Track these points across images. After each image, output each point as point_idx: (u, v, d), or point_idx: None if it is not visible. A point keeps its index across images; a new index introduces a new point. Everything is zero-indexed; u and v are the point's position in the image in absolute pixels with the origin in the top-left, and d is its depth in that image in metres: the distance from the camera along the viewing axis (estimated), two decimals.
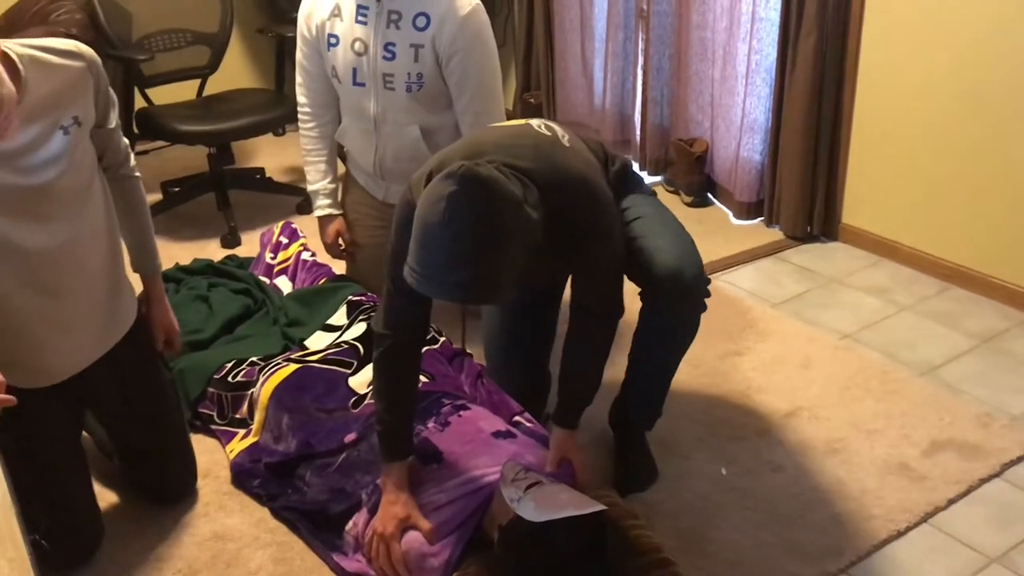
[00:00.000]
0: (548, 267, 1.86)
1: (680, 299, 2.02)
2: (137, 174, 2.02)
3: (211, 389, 2.41)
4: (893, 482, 2.21)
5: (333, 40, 2.51)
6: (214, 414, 2.40)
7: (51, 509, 1.88)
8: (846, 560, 1.99)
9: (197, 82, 3.86)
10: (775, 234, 3.47)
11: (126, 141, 1.99)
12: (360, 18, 2.46)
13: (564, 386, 2.04)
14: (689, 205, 3.74)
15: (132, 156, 2.01)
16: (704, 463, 2.29)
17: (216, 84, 3.87)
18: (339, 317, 2.58)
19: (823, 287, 3.13)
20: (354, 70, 2.50)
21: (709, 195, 3.77)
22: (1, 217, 1.68)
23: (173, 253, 3.31)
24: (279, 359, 2.40)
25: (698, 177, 3.73)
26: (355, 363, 2.35)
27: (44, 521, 1.86)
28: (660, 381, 2.22)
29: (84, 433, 2.18)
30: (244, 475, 2.22)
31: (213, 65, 3.84)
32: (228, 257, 3.12)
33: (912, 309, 2.97)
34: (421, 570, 1.83)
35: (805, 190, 3.35)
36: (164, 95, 3.73)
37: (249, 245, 3.39)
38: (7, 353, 1.76)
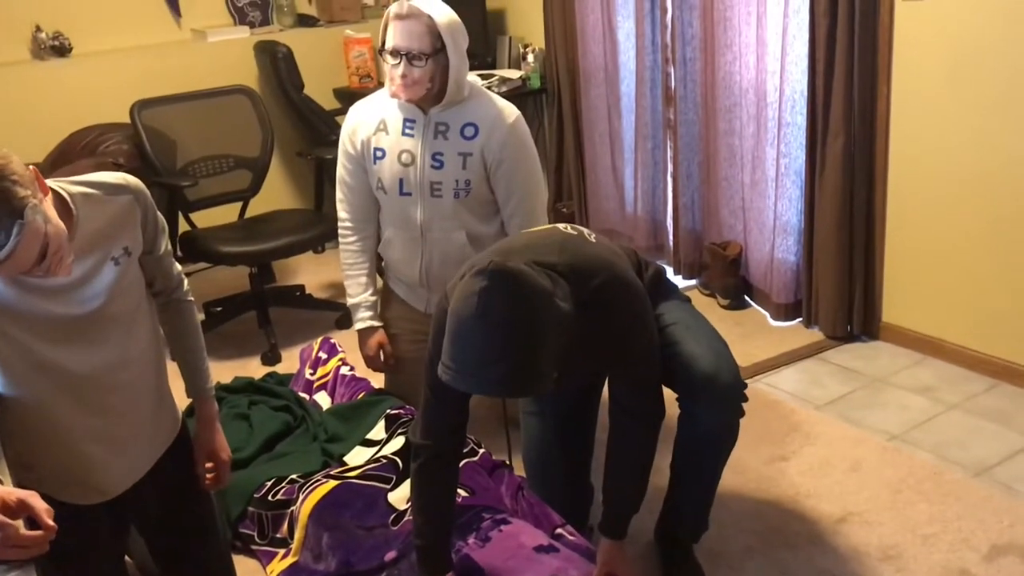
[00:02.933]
0: (585, 362, 1.86)
1: (718, 404, 2.01)
2: (190, 298, 2.06)
3: (251, 509, 2.40)
4: None
5: (379, 153, 2.59)
6: (254, 534, 2.38)
7: None
8: None
9: (239, 204, 3.98)
10: (815, 335, 3.44)
11: (179, 267, 2.02)
12: (407, 131, 2.55)
13: (609, 494, 2.00)
14: (726, 308, 3.73)
15: (185, 281, 2.05)
16: (756, 573, 2.22)
17: (257, 206, 3.99)
18: (378, 431, 2.58)
19: (867, 387, 3.08)
20: (401, 180, 2.57)
21: (746, 297, 3.76)
22: (52, 344, 1.72)
23: (215, 371, 3.31)
24: (319, 476, 2.40)
25: (733, 280, 3.73)
26: (394, 478, 2.33)
27: None
28: (704, 492, 2.18)
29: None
30: None
31: (254, 188, 3.97)
32: (268, 374, 3.15)
33: (961, 407, 2.91)
34: None
35: (842, 289, 3.33)
36: (207, 218, 3.84)
37: (289, 362, 3.42)
38: (63, 473, 1.78)
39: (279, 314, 3.80)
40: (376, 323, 2.79)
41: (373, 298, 2.79)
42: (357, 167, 2.67)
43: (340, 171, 2.73)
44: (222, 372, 3.33)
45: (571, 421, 2.29)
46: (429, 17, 2.40)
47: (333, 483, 2.32)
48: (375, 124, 2.60)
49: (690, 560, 2.21)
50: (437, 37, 2.41)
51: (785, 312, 3.55)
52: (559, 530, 2.15)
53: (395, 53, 2.44)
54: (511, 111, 2.55)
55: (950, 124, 2.96)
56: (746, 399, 2.06)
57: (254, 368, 3.44)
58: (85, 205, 1.72)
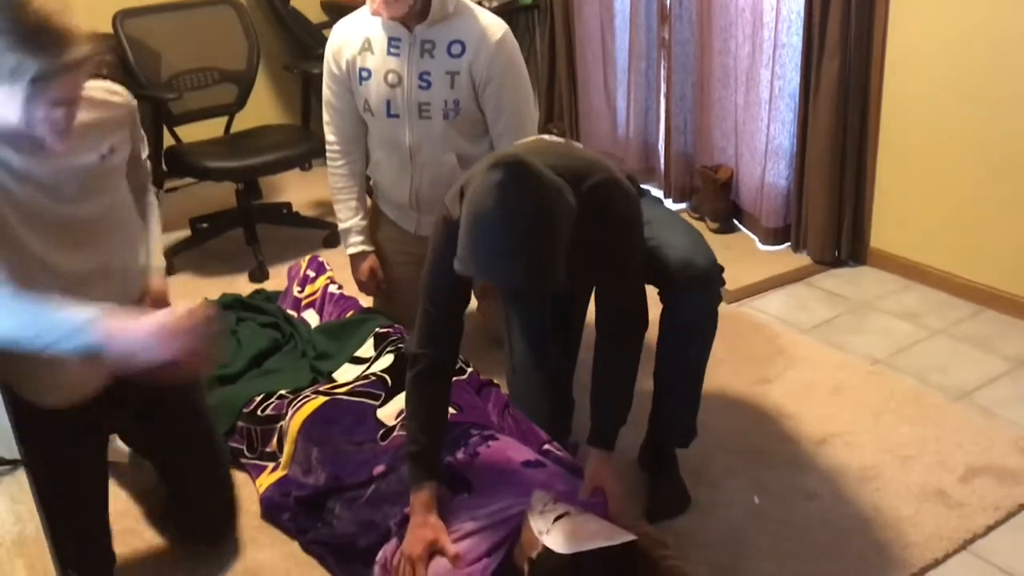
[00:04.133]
0: (580, 265, 1.87)
1: (695, 286, 2.04)
2: (155, 202, 2.13)
3: (240, 423, 2.41)
4: (930, 509, 2.17)
5: (365, 74, 2.54)
6: (244, 448, 2.41)
7: (79, 540, 1.88)
8: None
9: (225, 119, 3.91)
10: (803, 259, 3.44)
11: (148, 170, 2.10)
12: (392, 50, 2.49)
13: (597, 405, 2.03)
14: (715, 232, 3.73)
15: (151, 186, 2.13)
16: (736, 492, 2.27)
17: (243, 121, 3.93)
18: (367, 349, 2.59)
19: (853, 312, 3.10)
20: (388, 102, 2.53)
21: (735, 221, 3.76)
22: (45, 242, 1.74)
23: (201, 288, 3.34)
24: (308, 392, 2.41)
25: (723, 204, 3.72)
26: (383, 395, 2.35)
27: (74, 554, 1.86)
28: (690, 389, 2.21)
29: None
30: (274, 509, 2.22)
31: (240, 102, 3.90)
32: (256, 291, 3.14)
33: (945, 333, 2.94)
34: None
35: (832, 214, 3.33)
36: (192, 133, 3.78)
37: (277, 279, 3.41)
38: (45, 377, 1.81)
39: (266, 231, 3.78)
40: (368, 247, 2.77)
41: (364, 222, 2.77)
42: (343, 88, 2.61)
43: (326, 93, 2.67)
44: (209, 288, 3.32)
45: (555, 335, 2.31)
46: None
47: (322, 399, 2.33)
48: (359, 43, 2.54)
49: (674, 477, 2.24)
50: None
51: (774, 236, 3.55)
52: (546, 446, 2.18)
53: None
54: (499, 26, 2.49)
55: (947, 49, 2.92)
56: (723, 283, 2.11)
57: (242, 285, 3.43)
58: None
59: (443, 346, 1.94)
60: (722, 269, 2.11)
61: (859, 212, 3.33)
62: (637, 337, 2.00)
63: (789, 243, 3.53)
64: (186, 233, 3.80)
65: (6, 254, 1.71)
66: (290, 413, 2.32)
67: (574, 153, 1.91)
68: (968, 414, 2.52)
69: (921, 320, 3.01)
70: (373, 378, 2.42)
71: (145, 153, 2.05)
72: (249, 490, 2.33)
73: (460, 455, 2.06)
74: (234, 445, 2.41)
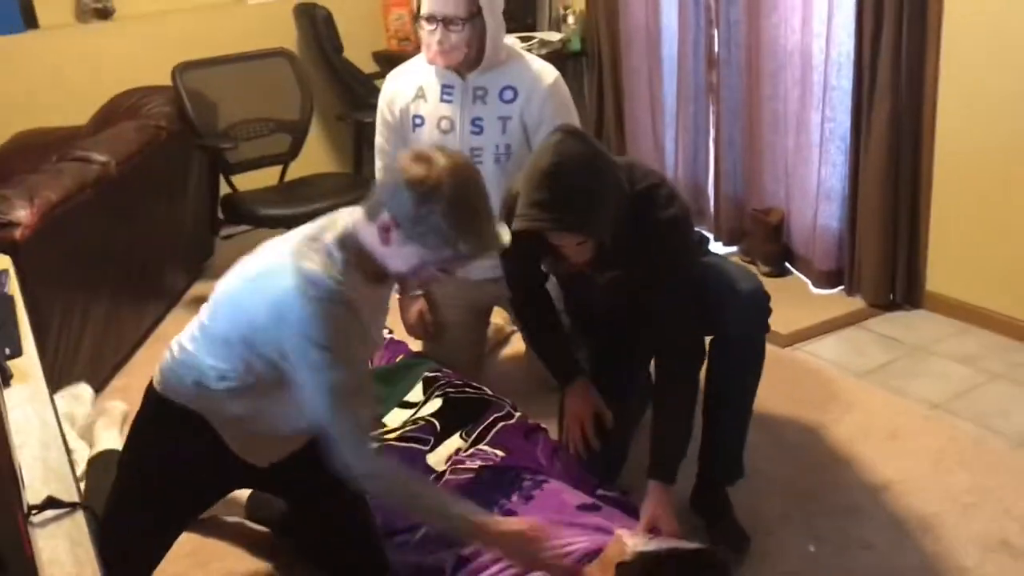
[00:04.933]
0: (629, 263, 2.02)
1: (741, 311, 2.08)
2: None
3: None
4: (994, 560, 2.11)
5: (418, 121, 2.58)
6: None
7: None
8: None
9: (279, 168, 3.99)
10: (857, 303, 3.39)
11: None
12: (446, 97, 2.54)
13: (656, 436, 2.06)
14: (767, 275, 3.69)
15: None
16: (791, 539, 2.22)
17: (297, 170, 4.01)
18: (416, 394, 2.60)
19: (909, 356, 3.04)
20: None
21: (787, 265, 3.72)
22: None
23: None
24: None
25: (775, 247, 3.69)
26: (432, 440, 2.35)
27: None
28: (736, 423, 2.21)
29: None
30: None
31: (294, 151, 3.99)
32: None
33: (1004, 377, 2.86)
34: None
35: (886, 257, 3.28)
36: (248, 182, 3.87)
37: None
38: (261, 444, 1.90)
39: None
40: (417, 290, 2.79)
41: None
42: (395, 136, 2.66)
43: (378, 140, 2.72)
44: None
45: (613, 380, 2.32)
46: None
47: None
48: (413, 91, 2.59)
49: (730, 519, 2.21)
50: (473, 1, 2.39)
51: (827, 279, 3.50)
52: (599, 491, 2.16)
53: (431, 19, 2.42)
54: (550, 71, 2.53)
55: (999, 90, 2.89)
56: (770, 311, 2.13)
57: None
58: None
59: (529, 278, 2.24)
60: (768, 297, 2.14)
61: (914, 255, 3.28)
62: (691, 364, 2.07)
63: (843, 287, 3.48)
64: None
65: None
66: None
67: (639, 163, 2.10)
68: None
69: (980, 364, 2.95)
70: (422, 423, 2.43)
71: None
72: None
73: (515, 498, 2.05)
74: None
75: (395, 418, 2.53)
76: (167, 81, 3.75)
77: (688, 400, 2.06)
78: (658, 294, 2.03)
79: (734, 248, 3.94)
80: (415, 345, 2.93)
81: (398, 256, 1.69)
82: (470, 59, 2.47)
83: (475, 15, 2.41)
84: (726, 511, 2.23)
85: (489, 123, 2.52)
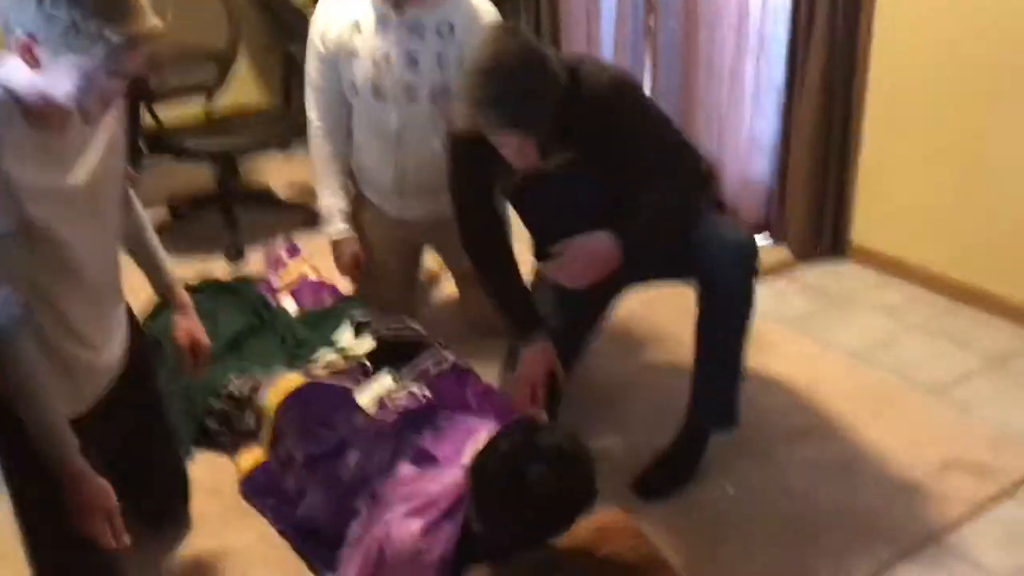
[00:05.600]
0: (578, 146, 2.00)
1: (729, 257, 2.07)
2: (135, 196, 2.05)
3: (218, 405, 2.39)
4: (903, 502, 2.18)
5: (352, 55, 2.50)
6: (222, 428, 2.38)
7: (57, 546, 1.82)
8: None
9: (204, 99, 3.86)
10: (782, 253, 3.44)
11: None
12: (381, 31, 2.46)
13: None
14: None
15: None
16: (710, 482, 2.27)
17: (223, 101, 3.88)
18: (347, 339, 2.56)
19: (832, 306, 3.11)
20: (374, 85, 2.50)
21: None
22: (65, 222, 1.65)
23: (179, 271, 3.28)
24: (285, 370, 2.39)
25: None
26: (362, 379, 2.33)
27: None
28: (726, 368, 2.19)
29: None
30: (258, 490, 2.22)
31: (220, 81, 3.85)
32: (238, 279, 3.10)
33: (923, 328, 2.95)
34: (416, 569, 1.81)
35: (814, 209, 3.33)
36: (172, 112, 3.73)
37: (255, 262, 3.38)
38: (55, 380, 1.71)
39: (245, 214, 3.73)
40: (351, 232, 2.73)
41: (346, 206, 2.72)
42: (329, 68, 2.57)
43: (311, 73, 2.63)
44: (186, 271, 3.25)
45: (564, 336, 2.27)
46: None
47: (300, 379, 2.31)
48: (347, 24, 2.50)
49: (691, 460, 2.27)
50: None
51: (755, 229, 3.54)
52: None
53: None
54: (488, 8, 2.48)
55: (933, 45, 2.93)
56: (758, 256, 2.12)
57: (218, 268, 3.39)
58: None
59: (478, 198, 2.18)
60: (756, 243, 2.16)
61: (841, 207, 3.33)
62: (676, 187, 2.08)
63: (769, 236, 3.53)
64: (164, 215, 3.76)
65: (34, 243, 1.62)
66: (266, 391, 2.30)
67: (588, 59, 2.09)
68: (944, 409, 2.53)
69: (900, 315, 3.03)
70: (354, 363, 2.40)
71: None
72: (226, 472, 2.30)
73: (426, 436, 2.05)
74: (211, 425, 2.39)
75: (324, 358, 2.50)
76: None
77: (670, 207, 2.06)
78: (634, 163, 2.01)
79: None
80: (343, 285, 2.88)
81: (55, 76, 1.51)
82: None
83: None
84: (697, 451, 2.27)
85: (425, 59, 2.45)
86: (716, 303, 2.12)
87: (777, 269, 3.34)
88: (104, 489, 1.66)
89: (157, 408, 2.10)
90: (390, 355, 2.40)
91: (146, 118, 3.70)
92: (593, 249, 1.98)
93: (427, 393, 2.19)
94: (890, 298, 3.13)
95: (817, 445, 2.39)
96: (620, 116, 1.98)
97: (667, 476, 2.23)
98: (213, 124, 3.74)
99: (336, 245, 2.76)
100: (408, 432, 2.07)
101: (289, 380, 2.31)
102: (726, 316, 2.14)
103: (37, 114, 1.57)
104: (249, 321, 2.71)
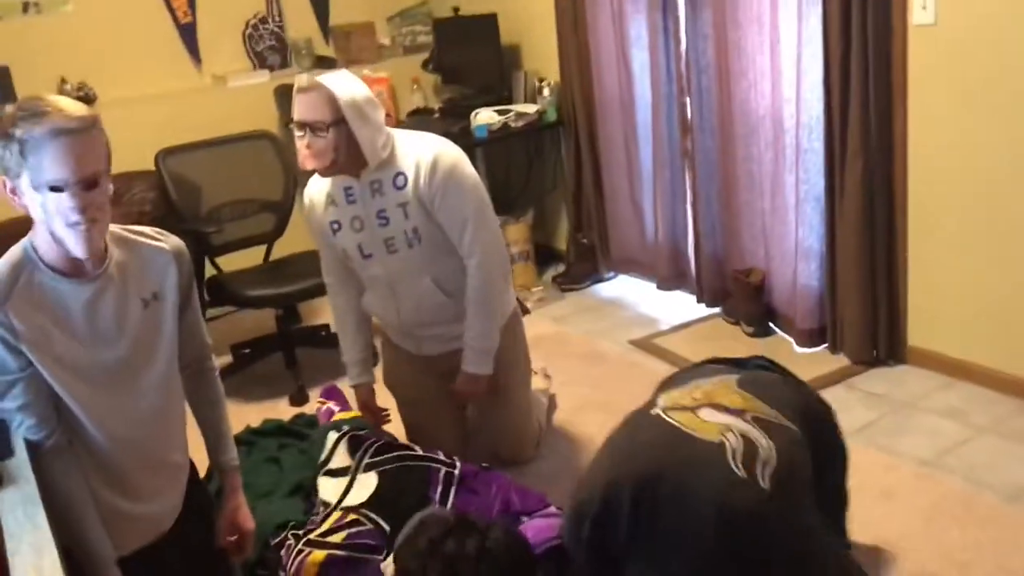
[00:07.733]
0: None
1: None
2: (216, 367, 2.10)
3: (269, 555, 2.36)
4: None
5: (336, 226, 2.71)
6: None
7: None
8: None
9: (264, 248, 4.03)
10: (841, 360, 3.42)
11: (208, 338, 2.07)
12: (350, 198, 2.65)
13: None
14: (751, 336, 3.72)
15: (211, 352, 2.09)
16: None
17: (282, 248, 4.03)
18: (341, 458, 2.56)
19: (896, 413, 3.06)
20: (359, 245, 2.69)
21: (770, 324, 3.76)
22: (96, 392, 1.74)
23: (243, 414, 3.36)
24: (301, 545, 2.28)
25: (757, 306, 3.72)
26: (384, 546, 2.23)
27: None
28: None
29: None
30: None
31: (279, 231, 4.02)
32: (297, 416, 3.17)
33: (992, 431, 2.88)
34: None
35: (867, 314, 3.32)
36: (233, 262, 3.89)
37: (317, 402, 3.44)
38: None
39: (305, 354, 3.83)
40: (363, 379, 2.91)
41: (361, 355, 2.90)
42: (323, 238, 2.79)
43: (314, 239, 2.84)
44: (250, 414, 3.35)
45: None
46: (328, 89, 2.48)
47: (320, 554, 2.22)
48: (324, 200, 2.72)
49: None
50: (336, 108, 2.48)
51: (810, 338, 3.53)
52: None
53: (300, 125, 2.53)
54: (431, 146, 2.61)
55: (968, 144, 2.96)
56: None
57: (282, 410, 3.46)
58: (116, 241, 1.82)
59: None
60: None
61: (894, 310, 3.31)
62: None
63: (826, 345, 3.51)
64: (227, 360, 3.87)
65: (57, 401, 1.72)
66: (292, 567, 2.24)
67: None
68: (1023, 514, 2.46)
69: (966, 418, 2.96)
70: (365, 525, 2.30)
71: (198, 309, 1.99)
72: None
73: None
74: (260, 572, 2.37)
75: (326, 490, 2.48)
76: (150, 166, 3.79)
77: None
78: None
79: (717, 309, 3.98)
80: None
81: (31, 205, 1.63)
82: (339, 163, 2.55)
83: (340, 121, 2.49)
84: None
85: (392, 212, 2.61)
86: None
87: (836, 377, 3.31)
88: None
89: (210, 552, 2.11)
90: (400, 499, 2.37)
91: (208, 268, 3.87)
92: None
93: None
94: (953, 401, 3.07)
95: (895, 560, 2.32)
96: None
97: None
98: (273, 270, 3.88)
99: (354, 391, 2.95)
100: None
101: (309, 556, 2.23)
102: None
103: (58, 267, 1.69)
104: (313, 463, 2.74)
